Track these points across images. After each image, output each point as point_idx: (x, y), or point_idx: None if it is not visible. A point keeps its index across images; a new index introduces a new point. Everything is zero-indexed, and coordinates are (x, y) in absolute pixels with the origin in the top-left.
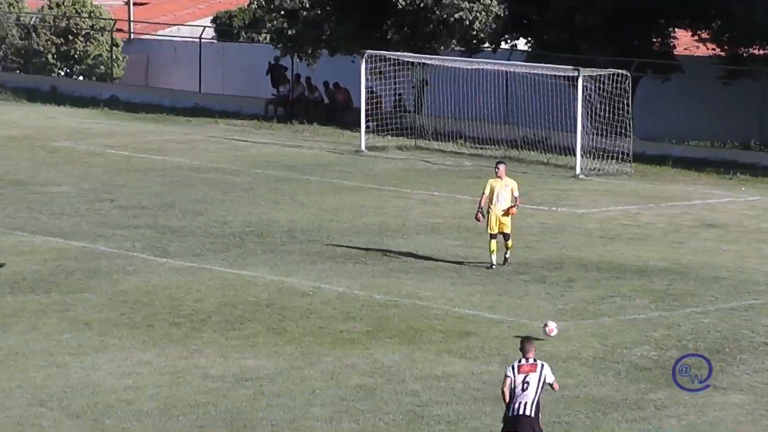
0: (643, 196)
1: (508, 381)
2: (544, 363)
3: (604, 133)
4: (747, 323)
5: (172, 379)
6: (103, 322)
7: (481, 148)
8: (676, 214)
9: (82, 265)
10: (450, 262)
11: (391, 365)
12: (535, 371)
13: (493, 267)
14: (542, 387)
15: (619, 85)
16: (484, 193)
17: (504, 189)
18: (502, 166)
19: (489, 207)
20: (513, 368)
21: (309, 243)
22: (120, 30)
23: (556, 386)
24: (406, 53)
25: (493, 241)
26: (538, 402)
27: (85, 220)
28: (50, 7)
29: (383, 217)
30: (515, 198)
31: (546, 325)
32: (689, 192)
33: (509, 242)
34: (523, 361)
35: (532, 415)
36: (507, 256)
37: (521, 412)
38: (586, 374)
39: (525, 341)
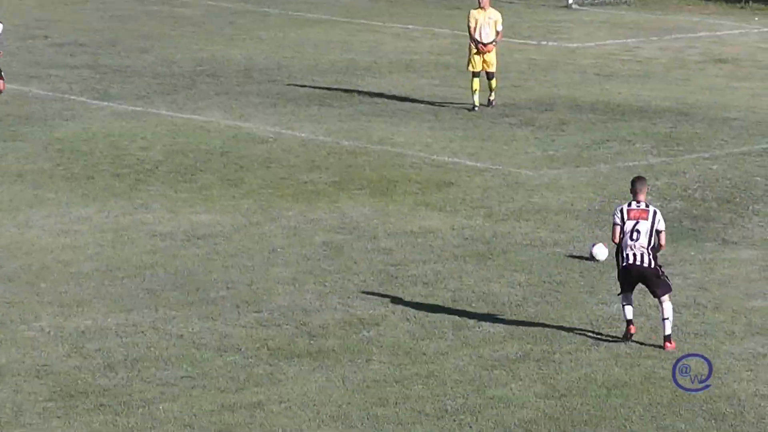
0: (645, 28)
1: (617, 230)
2: (656, 209)
3: None
4: (761, 170)
5: (115, 237)
6: (37, 173)
7: None
8: (681, 47)
9: (14, 110)
10: (427, 103)
11: (361, 220)
12: (646, 218)
13: (476, 108)
14: (653, 235)
15: None
16: (469, 26)
17: (487, 21)
18: None
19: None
20: (621, 212)
21: (268, 83)
22: None
23: (663, 240)
24: None
25: (476, 80)
26: (652, 250)
27: (17, 60)
28: None
29: (351, 54)
30: (497, 32)
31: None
32: (696, 23)
33: (493, 81)
34: (633, 204)
35: (651, 266)
36: (492, 98)
37: (636, 262)
38: (581, 228)
39: (637, 181)
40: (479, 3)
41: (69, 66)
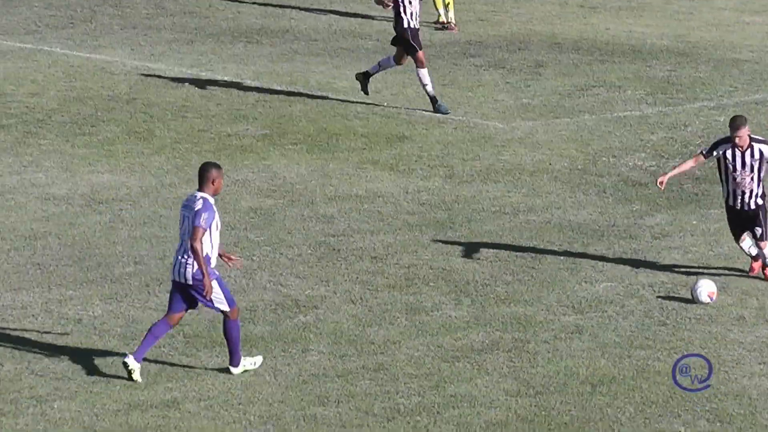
0: None
1: None
2: None
3: None
4: None
5: (0, 201)
6: None
7: None
8: None
9: None
10: (375, 40)
11: (296, 181)
12: None
13: (441, 24)
14: None
15: None
16: None
17: None
18: None
19: None
20: None
21: (183, 16)
22: None
23: None
24: None
25: None
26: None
27: None
28: None
29: None
30: None
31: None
32: None
33: None
34: None
35: None
36: (450, 16)
37: None
38: (560, 192)
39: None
40: None
41: None
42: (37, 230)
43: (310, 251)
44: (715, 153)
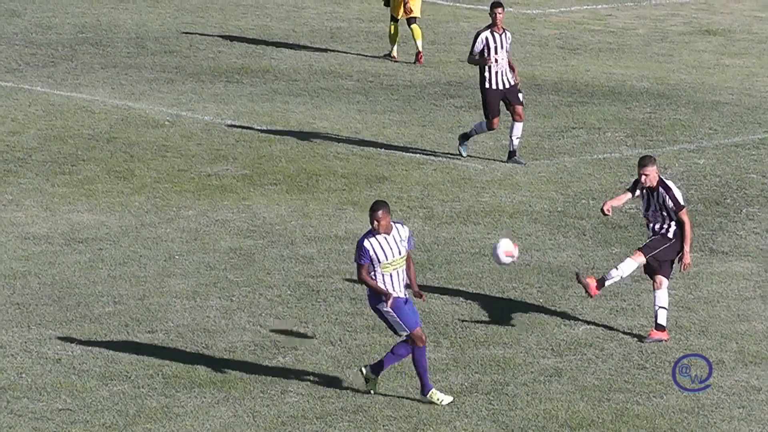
0: None
1: None
2: None
3: None
4: (756, 165)
5: None
6: None
7: None
8: (662, 16)
9: None
10: (356, 81)
11: (276, 222)
12: None
13: (392, 57)
14: None
15: None
16: None
17: None
18: None
19: None
20: None
21: (165, 55)
22: None
23: None
24: None
25: (394, 26)
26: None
27: None
28: None
29: (266, 20)
30: None
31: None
32: None
33: (415, 28)
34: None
35: None
36: (419, 47)
37: None
38: (540, 234)
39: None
40: None
41: None
42: (16, 269)
43: (289, 292)
44: (637, 192)
